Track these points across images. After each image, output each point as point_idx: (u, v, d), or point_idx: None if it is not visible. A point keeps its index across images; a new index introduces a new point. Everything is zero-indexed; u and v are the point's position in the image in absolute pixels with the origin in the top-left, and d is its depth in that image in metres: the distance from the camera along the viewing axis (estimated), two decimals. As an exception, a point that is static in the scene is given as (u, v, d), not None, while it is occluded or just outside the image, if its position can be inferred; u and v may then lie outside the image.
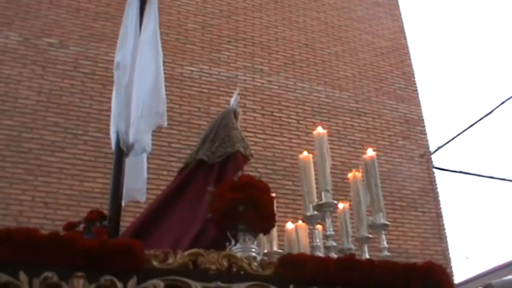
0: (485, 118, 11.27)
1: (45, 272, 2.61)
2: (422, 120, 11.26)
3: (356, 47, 11.37)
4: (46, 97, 8.69)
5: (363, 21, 11.74)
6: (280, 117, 10.10)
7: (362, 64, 11.21)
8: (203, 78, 9.86)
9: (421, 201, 10.32)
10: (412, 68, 11.69)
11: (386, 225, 4.18)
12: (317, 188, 4.32)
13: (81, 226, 3.83)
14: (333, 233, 4.06)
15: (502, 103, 11.16)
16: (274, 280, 3.09)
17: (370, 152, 4.39)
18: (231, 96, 9.44)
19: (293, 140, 9.93)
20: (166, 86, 4.65)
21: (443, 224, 10.36)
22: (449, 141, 11.44)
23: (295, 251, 4.63)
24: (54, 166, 8.27)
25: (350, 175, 4.45)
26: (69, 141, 8.52)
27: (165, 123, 4.44)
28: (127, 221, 4.66)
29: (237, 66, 10.21)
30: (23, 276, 2.57)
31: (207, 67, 9.98)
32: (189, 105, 9.48)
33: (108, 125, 8.38)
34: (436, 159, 11.25)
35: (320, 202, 4.08)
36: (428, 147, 11.03)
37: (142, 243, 2.89)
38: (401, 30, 12.05)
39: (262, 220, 3.43)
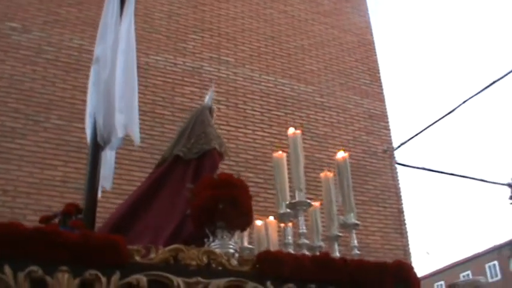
0: (447, 116, 11.53)
1: (30, 266, 2.61)
2: (386, 116, 11.38)
3: (322, 41, 11.42)
4: (7, 82, 8.52)
5: (330, 16, 11.81)
6: (244, 109, 10.09)
7: (328, 58, 11.28)
8: (168, 67, 9.79)
9: (382, 197, 10.44)
10: (377, 64, 11.81)
11: (357, 224, 4.26)
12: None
13: (57, 219, 3.77)
14: (305, 231, 4.10)
15: (464, 102, 11.42)
16: (252, 276, 3.14)
17: (341, 153, 4.44)
18: (196, 87, 9.61)
19: (257, 133, 9.95)
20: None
21: (404, 220, 10.51)
22: (412, 137, 11.64)
23: (265, 247, 4.65)
24: (14, 153, 8.11)
25: (322, 174, 4.48)
26: (30, 127, 8.37)
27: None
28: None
29: (202, 56, 10.17)
30: (8, 269, 2.56)
31: (172, 57, 9.91)
32: (153, 95, 9.39)
33: (71, 112, 8.46)
34: (399, 155, 11.41)
35: (294, 200, 4.10)
36: (391, 143, 11.16)
37: (124, 238, 2.89)
38: (368, 26, 12.16)
39: (241, 217, 3.47)
